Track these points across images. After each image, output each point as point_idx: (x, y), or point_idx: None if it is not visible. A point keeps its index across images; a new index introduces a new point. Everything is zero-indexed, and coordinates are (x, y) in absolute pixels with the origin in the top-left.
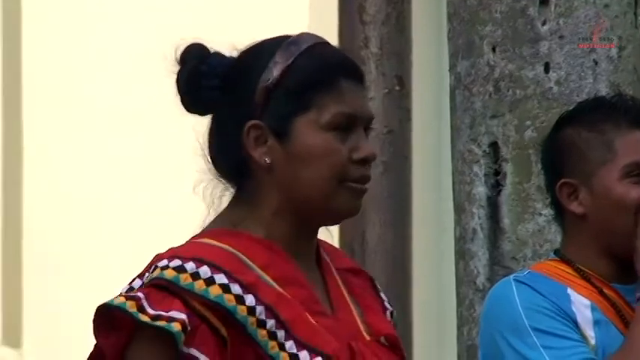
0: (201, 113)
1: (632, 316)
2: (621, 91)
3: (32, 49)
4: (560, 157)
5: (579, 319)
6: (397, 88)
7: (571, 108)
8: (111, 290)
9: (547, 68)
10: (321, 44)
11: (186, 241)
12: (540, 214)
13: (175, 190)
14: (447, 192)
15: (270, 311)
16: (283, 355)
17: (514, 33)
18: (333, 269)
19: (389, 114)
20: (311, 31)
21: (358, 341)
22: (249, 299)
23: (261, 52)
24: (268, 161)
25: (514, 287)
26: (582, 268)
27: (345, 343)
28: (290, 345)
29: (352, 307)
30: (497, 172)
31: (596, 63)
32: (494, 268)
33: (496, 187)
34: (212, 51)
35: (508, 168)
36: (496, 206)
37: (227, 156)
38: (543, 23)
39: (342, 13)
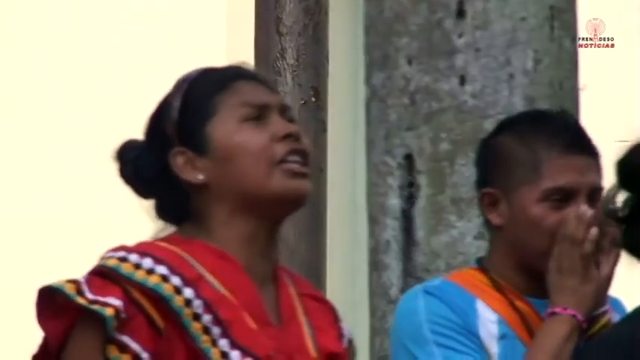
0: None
1: None
2: (564, 109)
3: None
4: (488, 165)
5: (482, 334)
6: (313, 99)
7: (510, 117)
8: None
9: (462, 81)
10: (213, 67)
11: (137, 243)
12: (454, 227)
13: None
14: (362, 204)
15: (209, 308)
16: (214, 350)
17: (430, 46)
18: (293, 291)
19: (305, 125)
20: (228, 43)
21: (302, 355)
22: (188, 292)
23: (163, 103)
24: (202, 177)
25: (421, 298)
26: (497, 279)
27: (286, 354)
28: (223, 343)
29: (304, 325)
30: (411, 184)
31: (511, 76)
32: (408, 280)
33: (410, 199)
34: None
35: (422, 180)
36: (410, 218)
37: (170, 198)
38: (459, 36)
39: (259, 24)
